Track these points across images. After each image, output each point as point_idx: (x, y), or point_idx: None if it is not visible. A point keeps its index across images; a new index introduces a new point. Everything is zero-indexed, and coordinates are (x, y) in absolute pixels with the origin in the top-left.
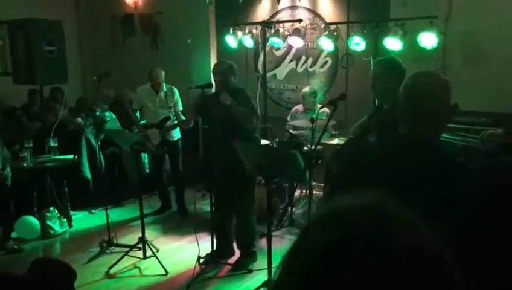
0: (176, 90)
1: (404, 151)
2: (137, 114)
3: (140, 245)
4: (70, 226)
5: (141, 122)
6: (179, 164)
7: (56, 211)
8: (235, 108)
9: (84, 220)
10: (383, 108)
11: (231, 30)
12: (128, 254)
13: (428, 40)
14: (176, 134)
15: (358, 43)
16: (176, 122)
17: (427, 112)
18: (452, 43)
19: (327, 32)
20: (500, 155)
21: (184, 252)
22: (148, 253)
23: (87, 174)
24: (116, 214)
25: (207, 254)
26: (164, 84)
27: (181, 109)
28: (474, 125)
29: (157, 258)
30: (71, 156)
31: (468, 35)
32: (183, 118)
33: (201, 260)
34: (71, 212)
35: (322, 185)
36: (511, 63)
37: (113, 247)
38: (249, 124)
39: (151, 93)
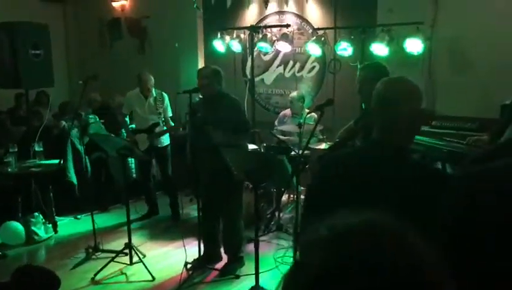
0: (165, 95)
1: (375, 157)
2: (127, 119)
3: (127, 251)
4: (56, 231)
5: (130, 127)
6: (168, 170)
7: (41, 216)
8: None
9: (69, 225)
10: (369, 112)
11: (219, 34)
12: (115, 259)
13: (414, 45)
14: (165, 140)
15: (345, 49)
16: (165, 128)
17: (397, 118)
18: (438, 49)
19: (315, 37)
20: (487, 160)
21: (171, 257)
22: (135, 259)
23: (73, 179)
24: (103, 220)
25: (194, 260)
26: (154, 90)
27: (170, 114)
28: (460, 131)
29: (143, 263)
30: (56, 161)
31: (453, 41)
32: (173, 123)
33: (189, 266)
34: (56, 218)
35: None
36: (496, 68)
37: (99, 253)
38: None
39: (140, 99)
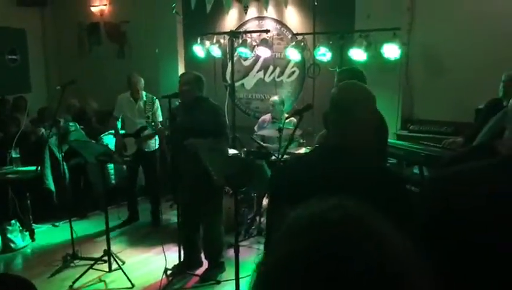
0: (156, 100)
1: (331, 160)
2: (119, 122)
3: (106, 258)
4: (33, 239)
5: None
6: (155, 175)
7: (18, 224)
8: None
9: (47, 233)
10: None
11: (199, 40)
12: (93, 267)
13: (391, 51)
14: (154, 144)
15: (324, 54)
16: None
17: (352, 122)
18: (415, 54)
19: (294, 42)
20: (460, 163)
21: (151, 264)
22: (114, 266)
23: (51, 186)
24: (81, 227)
25: (174, 266)
26: (144, 93)
27: (160, 119)
28: (436, 134)
29: (123, 271)
30: (34, 168)
31: (429, 46)
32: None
33: (169, 272)
34: (34, 226)
35: None
36: (470, 73)
37: (77, 260)
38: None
39: (130, 102)
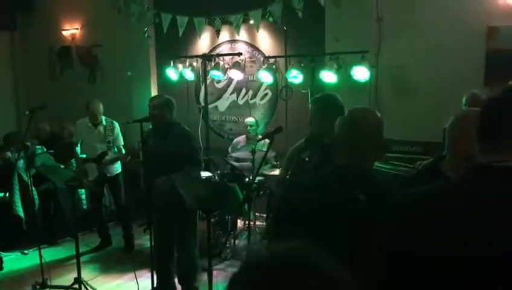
0: (116, 124)
1: (345, 181)
2: (78, 148)
3: (76, 286)
4: (1, 268)
5: (81, 156)
6: (121, 199)
7: None
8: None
9: (16, 261)
10: (322, 140)
11: (172, 63)
12: None
13: (360, 73)
14: (116, 168)
15: (296, 76)
16: (114, 157)
17: (367, 146)
18: (383, 76)
19: (266, 65)
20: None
21: None
22: None
23: (20, 212)
24: (52, 254)
25: None
26: (103, 118)
27: (122, 143)
28: (405, 154)
29: None
30: (1, 194)
31: (397, 68)
32: (124, 152)
33: None
34: (2, 254)
35: (265, 215)
36: (437, 93)
37: (46, 289)
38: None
39: (89, 127)
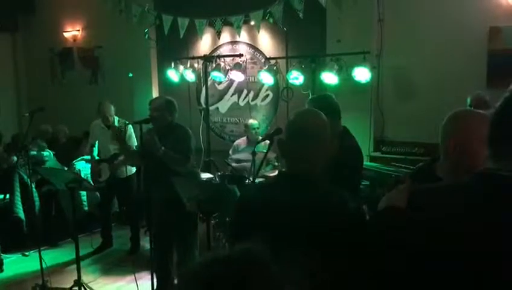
0: (129, 125)
1: (285, 188)
2: (96, 149)
3: (76, 288)
4: (1, 270)
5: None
6: (129, 202)
7: None
8: (162, 154)
9: (16, 263)
10: None
11: (173, 64)
12: None
13: (362, 74)
14: (129, 170)
15: (296, 77)
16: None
17: (308, 150)
18: (385, 77)
19: (267, 66)
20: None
21: None
22: None
23: (21, 214)
24: (52, 256)
25: None
26: (116, 119)
27: (135, 144)
28: (408, 155)
29: None
30: (1, 196)
31: (399, 69)
32: None
33: None
34: (2, 255)
35: None
36: (439, 95)
37: None
38: (179, 168)
39: (102, 129)
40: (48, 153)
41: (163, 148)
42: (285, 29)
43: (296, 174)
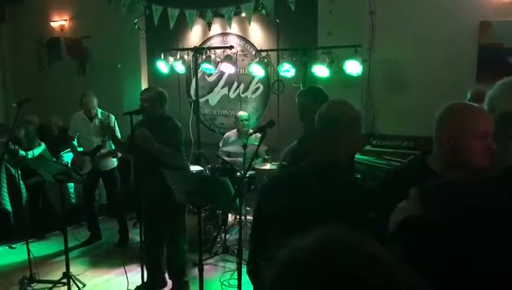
0: (112, 117)
1: (315, 176)
2: (75, 141)
3: (65, 280)
4: None
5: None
6: (115, 194)
7: None
8: (152, 147)
9: (3, 255)
10: (312, 134)
11: (162, 55)
12: None
13: (353, 67)
14: (111, 163)
15: (288, 70)
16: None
17: (337, 139)
18: (376, 70)
19: (258, 59)
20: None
21: (112, 286)
22: (74, 289)
23: (7, 205)
24: (40, 248)
25: (137, 287)
26: (99, 111)
27: (119, 136)
28: (398, 149)
29: None
30: None
31: (390, 63)
32: None
33: None
34: None
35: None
36: (430, 89)
37: (35, 284)
38: (168, 161)
39: (84, 121)
40: (43, 146)
41: (156, 144)
42: (277, 20)
43: (327, 163)
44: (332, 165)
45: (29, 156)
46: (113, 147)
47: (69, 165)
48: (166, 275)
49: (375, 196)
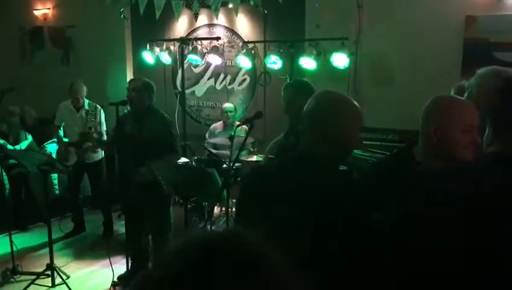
0: (99, 108)
1: (301, 169)
2: (61, 131)
3: (49, 272)
4: None
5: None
6: (100, 186)
7: None
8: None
9: None
10: (298, 127)
11: (148, 46)
12: (35, 282)
13: (340, 60)
14: (97, 155)
15: (275, 62)
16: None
17: (325, 131)
18: (362, 64)
19: (245, 50)
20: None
21: (97, 277)
22: (58, 280)
23: None
24: (23, 240)
25: (121, 275)
26: (87, 102)
27: (104, 129)
28: (383, 142)
29: (67, 285)
30: None
31: (376, 56)
32: (105, 138)
33: (117, 288)
34: None
35: None
36: (415, 82)
37: (18, 275)
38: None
39: (71, 111)
40: (30, 137)
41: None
42: (265, 12)
43: (311, 156)
44: (321, 158)
45: (29, 140)
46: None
47: (54, 156)
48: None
49: (359, 188)
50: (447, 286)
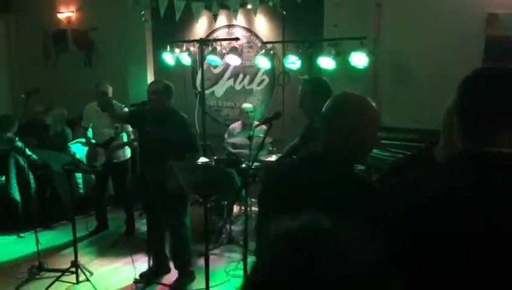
0: (125, 109)
1: (314, 169)
2: (89, 132)
3: (73, 269)
4: None
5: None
6: (125, 185)
7: None
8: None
9: (12, 244)
10: (314, 126)
11: (168, 47)
12: (60, 279)
13: (359, 59)
14: (125, 155)
15: (293, 62)
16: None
17: (340, 132)
18: (382, 63)
19: (263, 50)
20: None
21: (120, 274)
22: (82, 277)
23: (16, 195)
24: (48, 238)
25: (142, 273)
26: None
27: (130, 129)
28: (403, 141)
29: (90, 282)
30: None
31: (396, 55)
32: (132, 137)
33: (138, 284)
34: None
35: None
36: (435, 81)
37: (43, 272)
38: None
39: (97, 111)
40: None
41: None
42: (283, 12)
43: (324, 156)
44: (336, 160)
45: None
46: (125, 139)
47: (84, 157)
48: (171, 263)
49: (369, 188)
50: (447, 286)
